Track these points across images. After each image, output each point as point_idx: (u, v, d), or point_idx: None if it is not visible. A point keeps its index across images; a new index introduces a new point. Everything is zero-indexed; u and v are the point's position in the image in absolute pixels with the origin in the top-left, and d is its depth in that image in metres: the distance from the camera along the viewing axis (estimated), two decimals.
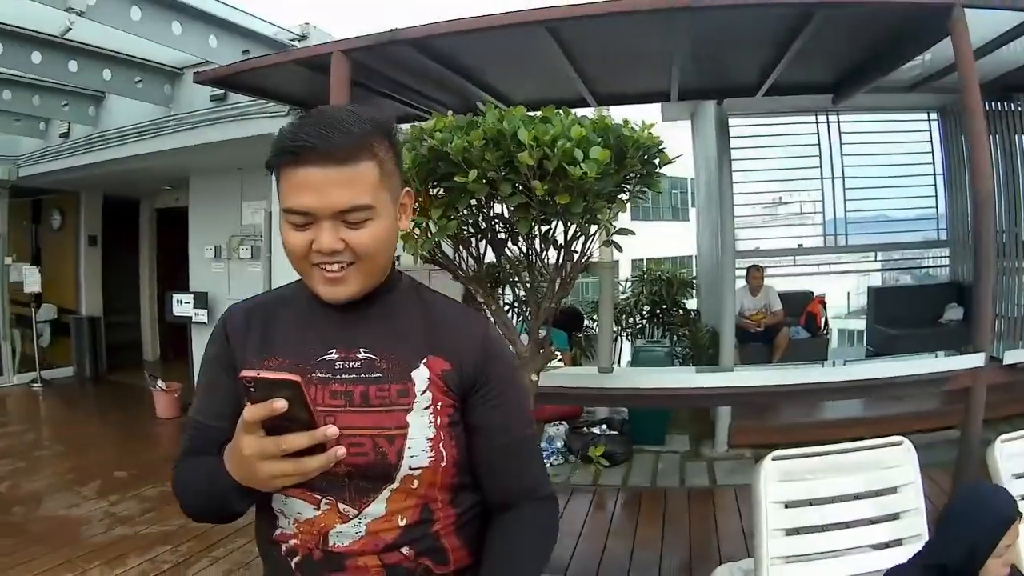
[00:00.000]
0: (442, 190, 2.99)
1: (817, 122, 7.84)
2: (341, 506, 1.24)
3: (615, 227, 3.13)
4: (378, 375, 1.26)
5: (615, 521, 5.14)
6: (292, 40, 6.53)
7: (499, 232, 3.23)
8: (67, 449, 6.92)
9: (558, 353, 5.57)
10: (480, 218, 3.13)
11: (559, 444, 6.39)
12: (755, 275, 7.67)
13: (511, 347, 3.31)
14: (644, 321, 8.86)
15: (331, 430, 1.10)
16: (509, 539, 1.33)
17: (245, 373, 1.06)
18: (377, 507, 1.24)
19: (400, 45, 4.34)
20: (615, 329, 8.53)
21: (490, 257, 3.44)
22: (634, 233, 3.07)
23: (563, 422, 6.65)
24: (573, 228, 3.03)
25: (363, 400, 1.24)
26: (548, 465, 5.90)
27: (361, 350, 1.28)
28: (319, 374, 1.26)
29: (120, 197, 11.18)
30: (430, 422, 1.25)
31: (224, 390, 1.30)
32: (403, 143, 3.06)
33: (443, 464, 1.26)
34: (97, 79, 6.83)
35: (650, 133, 2.69)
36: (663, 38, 4.06)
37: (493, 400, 1.32)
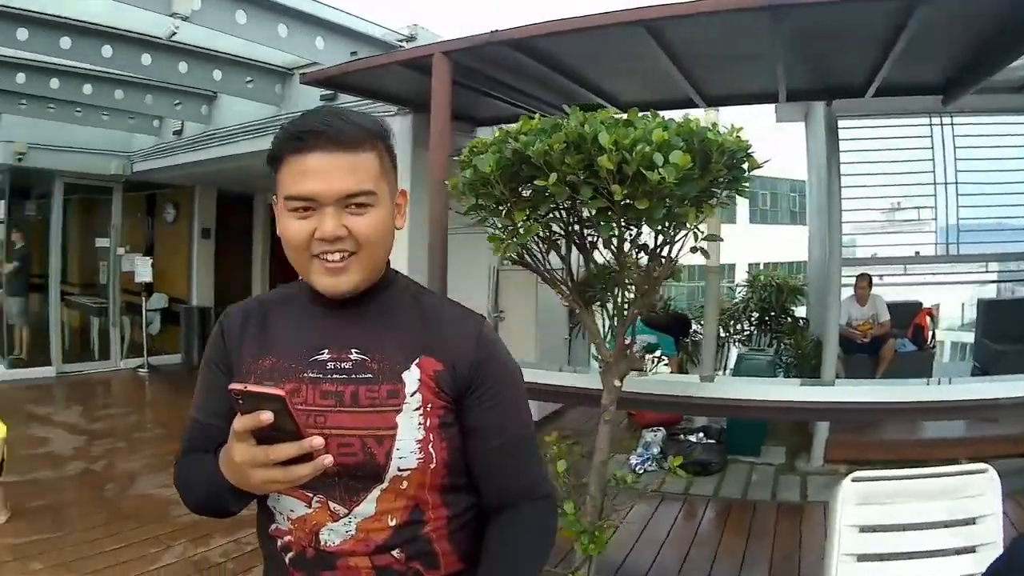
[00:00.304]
0: (528, 193, 2.97)
1: (931, 124, 7.47)
2: (332, 504, 1.26)
3: (703, 232, 3.04)
4: (368, 376, 1.27)
5: (701, 531, 5.07)
6: (400, 41, 6.66)
7: (587, 236, 3.19)
8: (166, 432, 7.34)
9: (658, 359, 5.51)
10: (566, 222, 3.10)
11: (655, 450, 6.33)
12: (862, 284, 7.41)
13: (599, 350, 3.30)
14: (752, 327, 8.72)
15: (317, 441, 1.11)
16: (507, 539, 1.34)
17: (233, 386, 1.09)
18: (367, 507, 1.25)
19: (499, 46, 4.41)
20: (723, 335, 8.45)
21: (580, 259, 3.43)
22: (722, 239, 3.01)
23: (661, 428, 6.60)
24: (659, 234, 2.97)
25: (353, 401, 1.26)
26: (642, 471, 5.83)
27: (353, 351, 1.29)
28: (311, 374, 1.28)
29: (234, 192, 11.73)
30: (419, 423, 1.26)
31: (220, 390, 1.29)
32: (489, 144, 3.07)
33: (432, 465, 1.27)
34: (208, 79, 7.18)
35: (738, 137, 2.62)
36: (765, 36, 3.95)
37: (488, 401, 1.32)
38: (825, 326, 6.25)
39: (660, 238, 3.05)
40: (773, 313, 8.48)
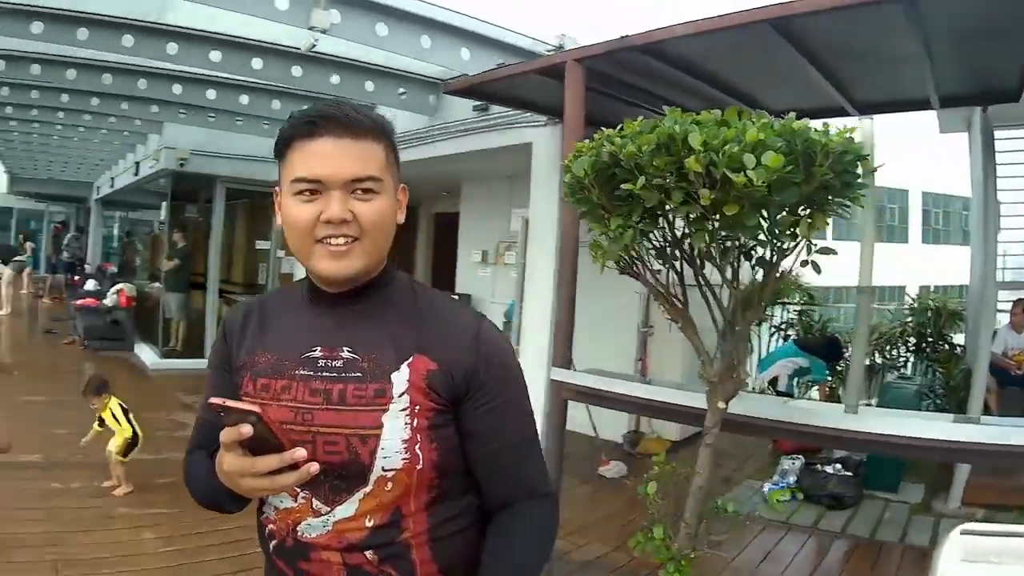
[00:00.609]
0: (621, 197, 2.84)
1: None
2: (315, 501, 1.29)
3: (816, 245, 2.79)
4: (358, 375, 1.29)
5: (820, 568, 4.87)
6: (549, 51, 6.63)
7: (684, 245, 3.01)
8: None
9: (748, 380, 5.19)
10: (662, 229, 2.93)
11: (791, 479, 6.10)
12: (1018, 310, 6.79)
13: (703, 369, 3.08)
14: (909, 354, 8.19)
15: (299, 453, 1.17)
16: (506, 537, 1.35)
17: (212, 400, 1.15)
18: (349, 507, 1.28)
19: (630, 51, 4.33)
20: (878, 360, 8.03)
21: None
22: (836, 252, 2.73)
23: (800, 456, 6.33)
24: (767, 245, 2.76)
25: (340, 399, 1.28)
26: (775, 501, 5.69)
27: (345, 349, 1.32)
28: (302, 371, 1.32)
29: None
30: (406, 423, 1.27)
31: (223, 389, 1.37)
32: (589, 147, 2.95)
33: (419, 467, 1.27)
34: (360, 91, 7.46)
35: (849, 138, 2.37)
36: (903, 31, 3.60)
37: (487, 404, 1.32)
38: (976, 355, 5.72)
39: (769, 250, 2.83)
40: (931, 339, 7.89)
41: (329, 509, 1.27)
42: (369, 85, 7.46)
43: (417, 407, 1.27)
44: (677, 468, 3.58)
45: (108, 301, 12.25)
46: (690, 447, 5.95)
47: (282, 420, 1.25)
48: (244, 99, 8.08)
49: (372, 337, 1.32)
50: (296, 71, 6.84)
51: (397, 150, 1.37)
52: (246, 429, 1.12)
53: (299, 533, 1.30)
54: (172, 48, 6.00)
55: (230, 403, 1.13)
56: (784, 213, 2.48)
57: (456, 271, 10.15)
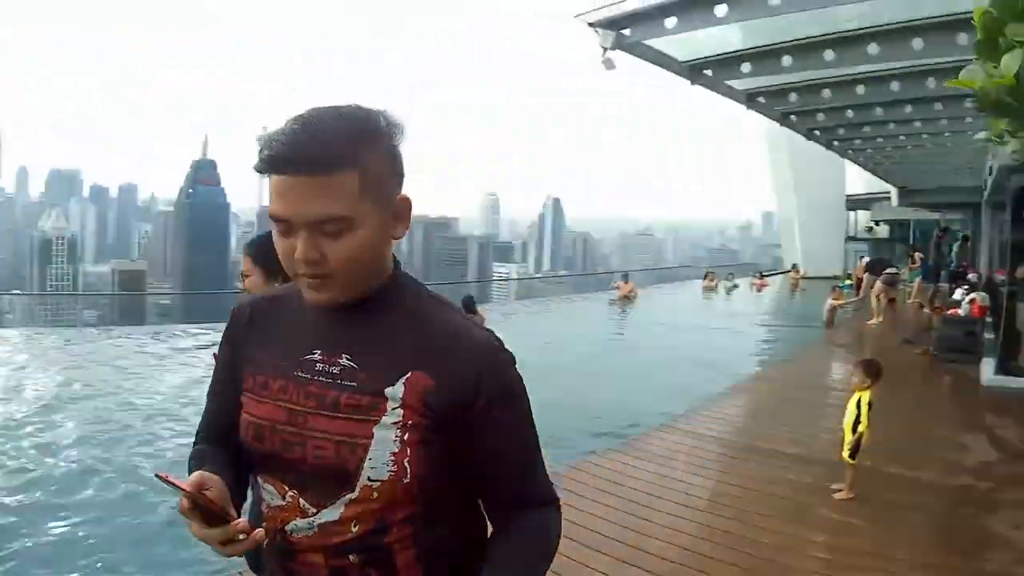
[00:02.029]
0: None
1: None
2: (302, 502, 1.30)
3: None
4: (353, 384, 1.28)
5: None
6: None
7: None
8: None
9: None
10: None
11: None
12: None
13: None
14: None
15: (240, 525, 1.19)
16: (510, 540, 1.34)
17: (157, 473, 1.22)
18: (334, 511, 1.28)
19: None
20: None
21: None
22: None
23: None
24: None
25: (333, 406, 1.27)
26: None
27: (344, 356, 1.31)
28: (299, 373, 1.32)
29: None
30: (397, 436, 1.25)
31: (225, 384, 1.43)
32: None
33: (405, 480, 1.26)
34: None
35: None
36: None
37: (488, 425, 1.29)
38: None
39: None
40: None
41: (316, 511, 1.29)
42: None
43: (410, 422, 1.26)
44: None
45: (961, 311, 11.80)
46: None
47: (276, 420, 1.30)
48: None
49: (372, 347, 1.31)
50: None
51: (388, 158, 1.27)
52: (183, 503, 1.17)
53: (287, 532, 1.32)
54: None
55: (171, 479, 1.18)
56: None
57: None
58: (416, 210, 1.34)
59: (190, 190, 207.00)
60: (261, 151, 1.22)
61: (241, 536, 1.21)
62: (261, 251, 2.90)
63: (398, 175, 1.30)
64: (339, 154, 1.19)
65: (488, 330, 1.36)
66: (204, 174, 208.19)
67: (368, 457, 1.25)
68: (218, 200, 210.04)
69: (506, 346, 1.36)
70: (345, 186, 1.19)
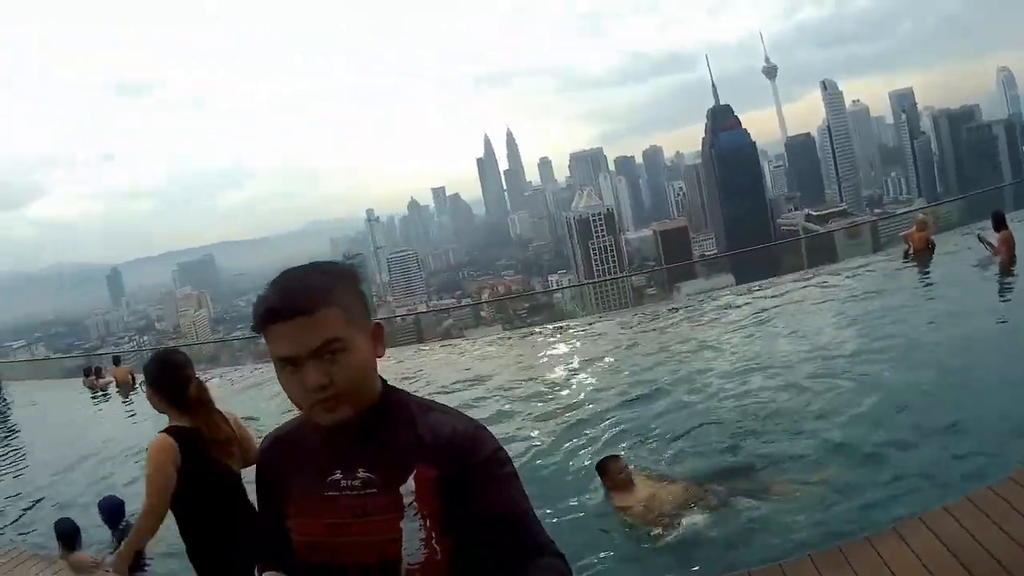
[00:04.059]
0: None
1: None
2: None
3: None
4: (375, 490, 1.58)
5: None
6: None
7: None
8: None
9: None
10: None
11: None
12: None
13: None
14: None
15: None
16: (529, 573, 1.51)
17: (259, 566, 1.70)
18: None
19: None
20: None
21: None
22: None
23: None
24: None
25: (364, 512, 1.58)
26: None
27: (360, 470, 1.60)
28: (330, 492, 1.61)
29: None
30: (420, 525, 1.55)
31: (267, 518, 1.79)
32: None
33: (438, 557, 1.56)
34: None
35: None
36: None
37: (475, 497, 1.55)
38: None
39: None
40: None
41: None
42: None
43: (426, 510, 1.55)
44: None
45: None
46: None
47: (321, 534, 1.60)
48: None
49: (379, 455, 1.60)
50: None
51: (357, 295, 1.61)
52: None
53: None
54: None
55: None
56: None
57: None
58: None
59: (713, 138, 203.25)
60: (256, 311, 1.53)
61: None
62: (153, 377, 3.53)
63: (367, 309, 1.64)
64: (323, 295, 1.51)
65: (469, 419, 1.67)
66: (723, 119, 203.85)
67: (404, 547, 1.55)
68: (743, 141, 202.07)
69: (483, 426, 1.65)
70: (332, 317, 1.50)
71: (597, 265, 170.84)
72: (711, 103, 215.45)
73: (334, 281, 1.57)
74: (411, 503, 1.56)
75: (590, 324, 16.57)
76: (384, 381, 1.69)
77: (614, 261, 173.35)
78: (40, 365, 40.43)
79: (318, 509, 1.61)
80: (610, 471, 6.30)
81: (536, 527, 1.59)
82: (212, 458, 3.49)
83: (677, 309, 15.76)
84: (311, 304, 1.49)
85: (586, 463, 7.22)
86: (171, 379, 3.52)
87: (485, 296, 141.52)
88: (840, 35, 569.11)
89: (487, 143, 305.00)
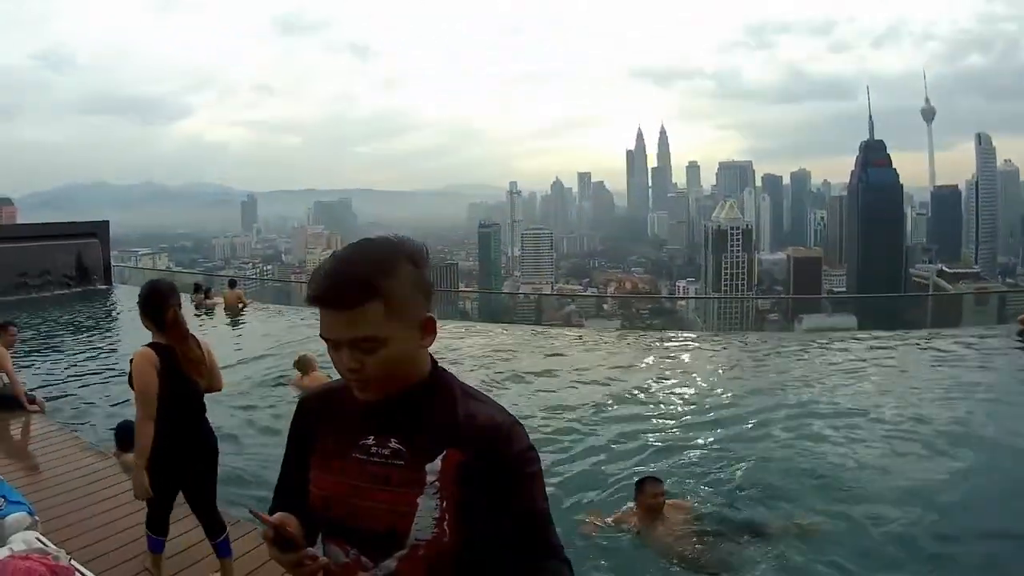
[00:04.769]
0: None
1: None
2: (363, 559, 1.65)
3: None
4: (402, 462, 1.62)
5: None
6: None
7: None
8: None
9: None
10: None
11: None
12: None
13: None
14: None
15: (308, 552, 1.61)
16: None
17: (251, 509, 1.68)
18: (389, 563, 1.63)
19: None
20: None
21: None
22: None
23: None
24: None
25: (386, 481, 1.62)
26: None
27: (392, 440, 1.64)
28: (358, 455, 1.66)
29: None
30: (437, 504, 1.59)
31: (293, 463, 1.82)
32: None
33: (446, 539, 1.59)
34: None
35: None
36: None
37: (500, 489, 1.59)
38: None
39: None
40: None
41: (374, 565, 1.63)
42: None
43: (447, 491, 1.59)
44: None
45: None
46: None
47: (340, 493, 1.65)
48: None
49: (415, 430, 1.63)
50: None
51: (412, 284, 1.58)
52: (268, 533, 1.59)
53: None
54: None
55: (260, 515, 1.60)
56: None
57: None
58: None
59: (862, 172, 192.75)
60: (308, 287, 1.58)
61: (308, 561, 1.59)
62: (142, 300, 4.20)
63: (423, 293, 1.61)
64: (363, 290, 1.51)
65: (507, 413, 1.67)
66: (874, 155, 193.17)
67: (415, 522, 1.58)
68: (890, 181, 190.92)
69: (519, 422, 1.66)
70: (371, 314, 1.52)
71: (726, 280, 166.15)
72: (865, 136, 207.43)
73: (387, 269, 1.56)
74: (433, 482, 1.60)
75: (707, 339, 16.48)
76: (435, 362, 1.72)
77: (743, 279, 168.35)
78: (157, 274, 38.28)
79: (343, 468, 1.67)
80: (645, 492, 6.33)
81: (550, 529, 1.64)
82: (183, 373, 4.11)
83: (792, 344, 15.59)
84: (350, 300, 1.52)
85: (632, 472, 7.50)
86: (154, 303, 4.15)
87: (611, 289, 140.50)
88: (1002, 89, 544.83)
89: (639, 137, 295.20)
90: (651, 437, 8.96)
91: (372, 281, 1.51)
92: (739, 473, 7.61)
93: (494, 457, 1.58)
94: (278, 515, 1.62)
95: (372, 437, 1.65)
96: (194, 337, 4.27)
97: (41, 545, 3.89)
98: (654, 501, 6.27)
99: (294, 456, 1.81)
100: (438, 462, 1.60)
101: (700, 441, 8.80)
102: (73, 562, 3.79)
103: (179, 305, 4.25)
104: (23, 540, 3.94)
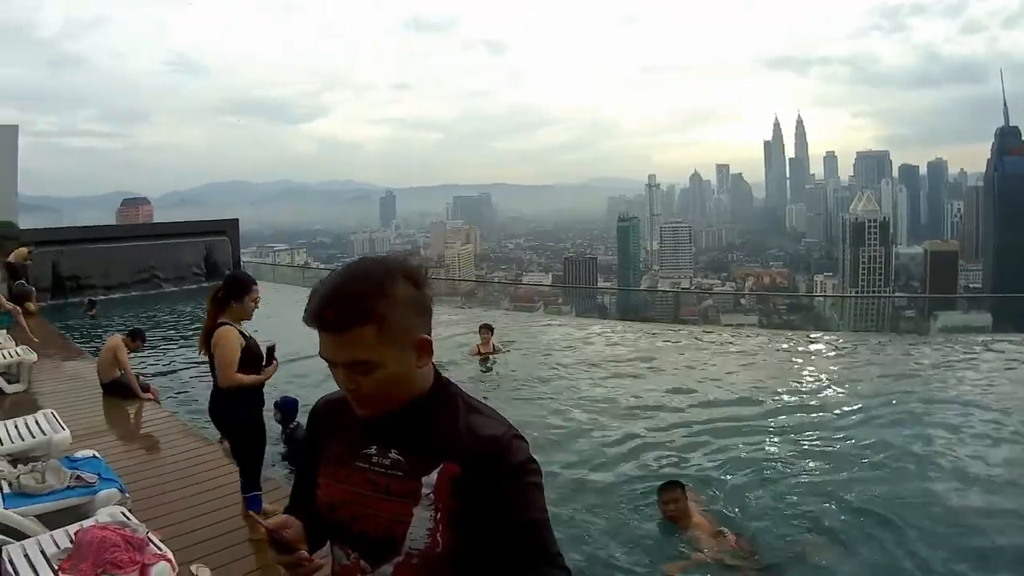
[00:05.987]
0: None
1: None
2: (362, 562, 1.70)
3: None
4: (400, 473, 1.65)
5: None
6: None
7: None
8: None
9: None
10: None
11: None
12: None
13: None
14: None
15: (302, 555, 1.68)
16: None
17: (251, 515, 2.26)
18: (386, 569, 1.66)
19: None
20: None
21: None
22: None
23: None
24: None
25: (386, 491, 1.65)
26: None
27: (393, 451, 1.67)
28: (359, 464, 1.70)
29: None
30: (431, 515, 1.61)
31: (307, 466, 1.85)
32: None
33: (438, 550, 1.60)
34: None
35: None
36: None
37: (496, 503, 1.58)
38: None
39: None
40: None
41: (371, 569, 1.67)
42: None
43: (441, 503, 1.60)
44: None
45: None
46: None
47: (343, 499, 1.70)
48: None
49: (414, 443, 1.66)
50: None
51: (405, 306, 1.59)
52: (266, 536, 1.70)
53: None
54: None
55: (257, 519, 1.79)
56: None
57: None
58: None
59: (998, 161, 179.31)
60: (305, 307, 1.59)
61: (303, 562, 1.66)
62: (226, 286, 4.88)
63: (420, 314, 1.64)
64: (355, 314, 1.53)
65: (509, 425, 1.68)
66: (1010, 142, 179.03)
67: (410, 531, 1.61)
68: None
69: (521, 435, 1.65)
70: (364, 337, 1.54)
71: (863, 275, 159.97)
72: (1000, 121, 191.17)
73: (381, 292, 1.56)
74: (428, 494, 1.61)
75: (845, 340, 15.80)
76: (438, 375, 1.73)
77: (880, 274, 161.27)
78: (289, 271, 41.16)
79: (345, 475, 1.70)
80: (661, 499, 6.16)
81: (549, 538, 1.62)
82: (251, 343, 4.93)
83: (928, 344, 14.83)
84: (343, 323, 1.53)
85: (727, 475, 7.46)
86: (239, 290, 4.94)
87: (749, 283, 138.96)
88: None
89: (776, 127, 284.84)
90: (751, 442, 8.74)
91: (364, 305, 1.54)
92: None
93: (491, 470, 1.59)
94: (277, 518, 1.72)
95: (374, 448, 1.69)
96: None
97: (124, 519, 4.17)
98: (665, 509, 6.13)
99: (306, 461, 1.86)
100: (434, 475, 1.62)
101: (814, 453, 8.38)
102: (151, 535, 4.00)
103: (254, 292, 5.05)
104: (108, 513, 4.28)
